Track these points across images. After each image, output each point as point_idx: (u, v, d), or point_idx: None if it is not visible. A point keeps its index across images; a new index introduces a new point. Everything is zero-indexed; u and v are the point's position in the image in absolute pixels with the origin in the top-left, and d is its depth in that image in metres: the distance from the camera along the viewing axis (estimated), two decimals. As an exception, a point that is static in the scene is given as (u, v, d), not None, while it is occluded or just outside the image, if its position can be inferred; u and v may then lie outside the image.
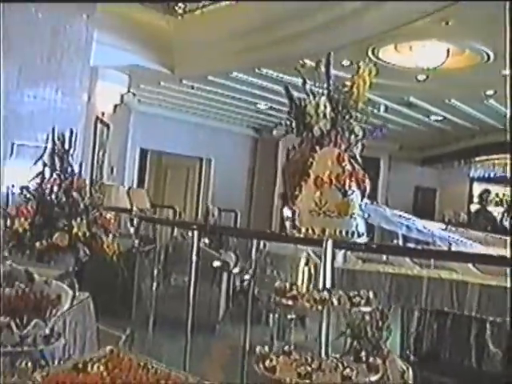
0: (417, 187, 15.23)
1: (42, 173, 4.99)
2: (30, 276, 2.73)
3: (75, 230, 4.75)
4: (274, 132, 13.55)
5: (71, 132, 5.12)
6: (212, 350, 5.61)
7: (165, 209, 10.65)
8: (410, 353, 5.25)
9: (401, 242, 6.15)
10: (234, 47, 7.37)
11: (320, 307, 2.13)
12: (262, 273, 4.90)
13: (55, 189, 4.92)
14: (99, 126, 8.41)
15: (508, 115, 6.80)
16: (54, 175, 4.97)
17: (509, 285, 3.64)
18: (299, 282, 2.45)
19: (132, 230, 7.57)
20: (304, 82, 2.26)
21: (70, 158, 5.06)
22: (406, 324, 5.35)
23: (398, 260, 5.32)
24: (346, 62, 6.14)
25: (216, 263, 6.62)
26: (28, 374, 2.29)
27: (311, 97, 2.19)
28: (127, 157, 11.14)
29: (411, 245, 6.00)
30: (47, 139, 5.08)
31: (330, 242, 2.16)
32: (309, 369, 2.10)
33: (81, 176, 5.18)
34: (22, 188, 4.98)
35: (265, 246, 4.75)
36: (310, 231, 2.14)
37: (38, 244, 4.68)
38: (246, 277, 7.60)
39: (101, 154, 8.41)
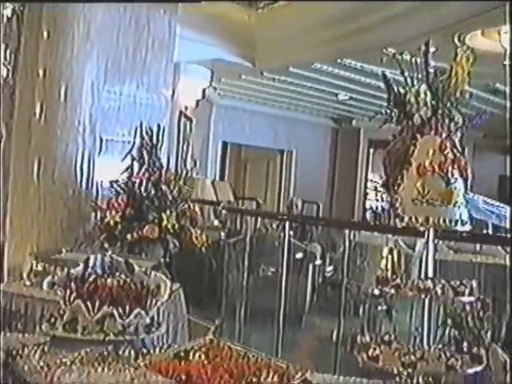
0: (501, 176, 14.80)
1: (131, 167, 5.12)
2: (130, 267, 2.81)
3: (165, 222, 4.87)
4: (354, 122, 13.45)
5: (159, 127, 5.24)
6: (300, 340, 5.63)
7: (246, 201, 10.75)
8: (501, 345, 5.12)
9: (491, 231, 6.02)
10: (316, 38, 7.34)
11: (423, 296, 2.12)
12: (353, 264, 4.87)
13: (144, 182, 5.04)
14: (183, 120, 8.55)
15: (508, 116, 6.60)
16: (143, 169, 5.10)
17: None
18: (388, 271, 2.44)
19: (216, 222, 7.70)
20: (402, 71, 2.23)
21: (157, 152, 5.17)
22: (498, 315, 5.22)
23: (490, 250, 5.19)
24: (432, 49, 6.01)
25: (298, 255, 6.62)
26: (131, 362, 2.35)
27: (410, 85, 2.16)
28: (209, 150, 11.28)
29: (501, 234, 5.87)
30: (135, 134, 5.20)
31: (431, 231, 2.13)
32: (413, 358, 2.09)
33: (168, 169, 5.29)
34: (111, 182, 5.14)
35: (354, 236, 4.72)
36: (414, 220, 2.11)
37: (129, 236, 4.82)
38: (329, 268, 7.59)
39: (184, 147, 8.55)
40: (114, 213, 4.90)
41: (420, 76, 2.22)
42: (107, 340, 2.57)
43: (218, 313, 5.80)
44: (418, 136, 2.17)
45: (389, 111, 2.19)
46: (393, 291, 2.16)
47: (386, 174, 2.22)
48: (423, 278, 2.17)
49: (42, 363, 2.27)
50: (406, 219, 2.14)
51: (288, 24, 7.40)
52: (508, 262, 5.14)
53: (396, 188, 2.17)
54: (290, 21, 7.36)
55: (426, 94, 2.14)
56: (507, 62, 5.98)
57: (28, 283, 4.35)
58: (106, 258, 2.80)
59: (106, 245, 2.86)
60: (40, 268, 4.36)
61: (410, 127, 2.18)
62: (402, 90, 2.19)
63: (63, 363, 2.26)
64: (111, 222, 4.87)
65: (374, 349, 2.19)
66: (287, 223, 4.65)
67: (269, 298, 5.12)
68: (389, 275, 2.21)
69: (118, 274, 2.76)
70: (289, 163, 13.17)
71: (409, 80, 2.20)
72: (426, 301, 2.16)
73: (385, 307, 4.36)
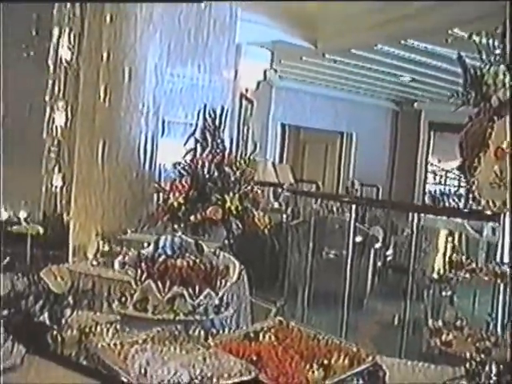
0: None
1: (194, 149, 5.16)
2: (199, 247, 2.84)
3: (228, 204, 4.90)
4: (416, 104, 13.26)
5: (222, 109, 5.26)
6: (362, 324, 5.63)
7: (305, 183, 10.73)
8: None
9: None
10: (380, 18, 7.24)
11: (499, 281, 2.09)
12: (416, 248, 4.83)
13: (207, 164, 5.08)
14: (244, 102, 8.57)
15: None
16: (206, 151, 5.13)
17: None
18: (459, 255, 2.40)
19: (276, 204, 7.73)
20: (480, 52, 2.18)
21: (220, 134, 5.20)
22: None
23: None
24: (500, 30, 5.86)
25: (359, 238, 6.59)
26: (201, 341, 2.38)
27: (488, 66, 2.11)
28: (269, 133, 11.29)
29: None
30: (198, 116, 5.24)
31: (508, 215, 2.09)
32: (488, 344, 2.07)
33: (231, 151, 5.32)
34: (174, 164, 5.19)
35: (419, 219, 4.68)
36: (491, 204, 2.08)
37: (192, 217, 4.87)
38: (389, 252, 7.54)
39: (245, 130, 8.58)
40: (177, 194, 4.96)
41: (497, 57, 2.17)
42: (177, 320, 2.60)
43: (279, 295, 5.83)
44: (496, 118, 2.12)
45: (465, 93, 2.14)
46: (467, 275, 2.13)
47: (462, 156, 2.17)
48: (499, 263, 2.13)
49: (115, 341, 2.31)
50: (483, 202, 2.11)
51: (350, 4, 7.31)
52: None
53: (472, 171, 2.14)
54: (352, 2, 7.27)
55: (504, 75, 2.09)
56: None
57: (95, 263, 4.45)
58: (175, 239, 2.83)
59: (175, 225, 2.89)
60: (107, 248, 4.45)
61: (487, 109, 2.13)
62: (478, 72, 2.14)
63: (136, 342, 2.30)
64: (175, 204, 4.92)
65: (447, 334, 2.17)
66: (353, 206, 4.61)
67: (330, 281, 5.13)
68: (463, 259, 2.16)
69: (187, 254, 2.79)
70: (348, 146, 13.09)
71: (486, 61, 2.14)
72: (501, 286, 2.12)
73: (449, 292, 4.31)
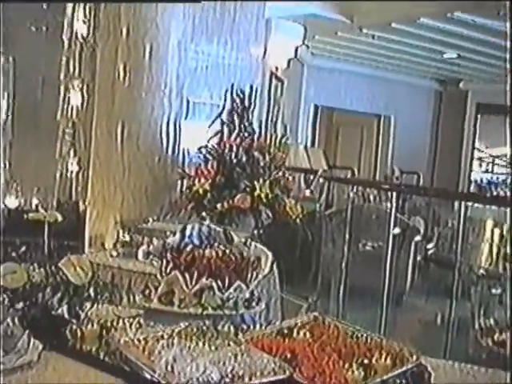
0: None
1: (221, 131, 5.18)
2: (229, 237, 2.86)
3: (257, 191, 4.91)
4: (462, 84, 13.12)
5: (251, 88, 5.26)
6: (401, 322, 5.62)
7: (339, 170, 10.72)
8: None
9: None
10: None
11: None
12: (463, 240, 4.80)
13: (235, 148, 5.09)
14: (273, 82, 8.56)
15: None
16: (234, 134, 5.15)
17: None
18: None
19: (308, 192, 7.73)
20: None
21: (249, 115, 5.21)
22: None
23: None
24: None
25: (396, 230, 6.56)
26: (231, 337, 2.40)
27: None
28: (300, 114, 11.27)
29: None
30: (225, 97, 5.24)
31: None
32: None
33: (261, 135, 5.33)
34: (200, 148, 5.20)
35: (466, 209, 4.64)
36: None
37: (219, 205, 4.89)
38: (431, 245, 7.50)
39: (275, 111, 8.58)
40: (202, 181, 4.99)
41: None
42: (205, 314, 2.63)
43: (311, 290, 5.86)
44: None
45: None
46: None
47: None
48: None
49: (138, 336, 2.33)
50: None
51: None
52: None
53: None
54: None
55: None
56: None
57: (114, 254, 4.49)
58: (203, 228, 2.85)
59: (202, 213, 2.91)
60: (127, 238, 4.50)
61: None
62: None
63: (161, 337, 2.32)
64: (200, 191, 4.96)
65: (500, 333, 2.16)
66: (393, 194, 4.60)
67: (367, 275, 5.14)
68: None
69: (216, 244, 2.81)
70: (386, 129, 13.02)
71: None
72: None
73: (499, 290, 4.29)
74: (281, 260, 4.62)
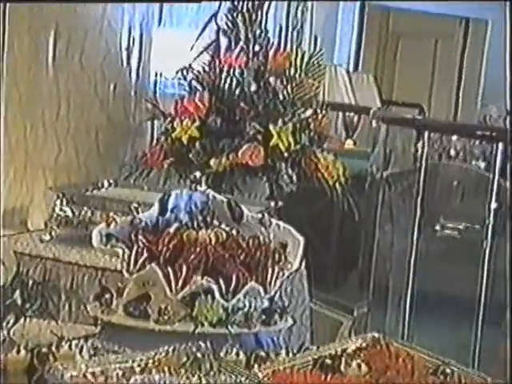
0: None
1: (216, 44, 5.16)
2: (236, 211, 2.85)
3: (274, 139, 4.90)
4: None
5: (263, -26, 5.24)
6: (502, 349, 5.64)
7: (400, 107, 10.70)
8: None
9: None
10: None
11: None
12: None
13: (238, 71, 5.08)
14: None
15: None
16: (237, 48, 5.13)
17: None
18: None
19: (351, 142, 7.74)
20: None
21: (262, 18, 5.18)
22: None
23: None
24: None
25: (495, 204, 6.55)
26: (240, 370, 2.41)
27: None
28: (338, 19, 11.22)
29: None
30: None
31: None
32: None
33: (280, 49, 5.30)
34: (182, 70, 5.18)
35: None
36: None
37: (213, 162, 4.89)
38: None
39: (299, 14, 8.50)
40: (187, 123, 4.97)
41: None
42: (200, 333, 2.63)
43: (358, 297, 5.87)
44: None
45: None
46: None
47: None
48: None
49: (94, 368, 2.33)
50: None
51: None
52: None
53: None
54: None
55: None
56: None
57: (47, 237, 4.48)
58: (196, 196, 2.85)
59: (197, 174, 2.84)
60: (68, 212, 4.49)
61: None
62: None
63: (130, 369, 2.33)
64: (183, 138, 4.95)
65: None
66: (499, 146, 4.54)
67: (449, 275, 5.14)
68: None
69: (215, 222, 2.81)
70: (476, 43, 12.98)
71: None
72: None
73: None
74: (309, 250, 4.66)
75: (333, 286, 5.99)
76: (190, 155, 4.94)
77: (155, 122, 5.32)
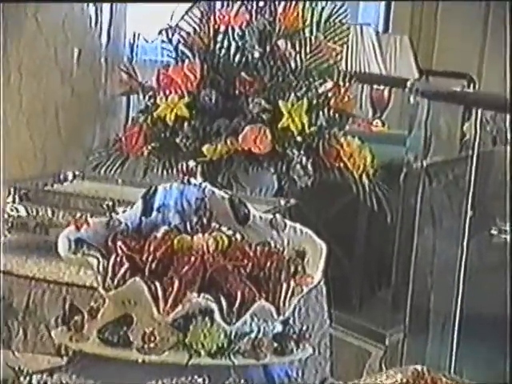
0: None
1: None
2: (241, 211, 2.88)
3: (284, 119, 4.93)
4: None
5: None
6: None
7: (443, 78, 10.73)
8: None
9: None
10: None
11: None
12: None
13: (238, 31, 5.11)
14: None
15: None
16: (237, 2, 5.16)
17: None
18: None
19: (379, 123, 7.76)
20: None
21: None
22: None
23: None
24: None
25: None
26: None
27: None
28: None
29: None
30: None
31: None
32: None
33: (291, 2, 5.32)
34: (166, 32, 5.22)
35: None
36: None
37: (206, 148, 4.92)
38: None
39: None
40: (173, 99, 5.00)
41: None
42: (196, 365, 2.65)
43: (390, 318, 5.89)
44: None
45: None
46: None
47: None
48: None
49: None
50: None
51: None
52: None
53: None
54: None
55: None
56: None
57: (-6, 245, 4.51)
58: (189, 192, 2.88)
59: (190, 164, 2.85)
60: (21, 212, 4.51)
61: None
62: None
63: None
64: (168, 118, 4.97)
65: None
66: None
67: (506, 291, 5.15)
68: None
69: (214, 225, 2.83)
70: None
71: None
72: None
73: None
74: (330, 260, 4.69)
75: (358, 307, 6.02)
76: (177, 140, 4.97)
77: (132, 97, 5.31)
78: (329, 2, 5.63)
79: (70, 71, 5.42)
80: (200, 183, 2.93)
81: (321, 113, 5.06)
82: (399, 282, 5.96)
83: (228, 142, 4.89)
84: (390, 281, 6.06)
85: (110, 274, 2.75)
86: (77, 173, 4.83)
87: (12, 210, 4.49)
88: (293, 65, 5.08)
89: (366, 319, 6.02)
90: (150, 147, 5.01)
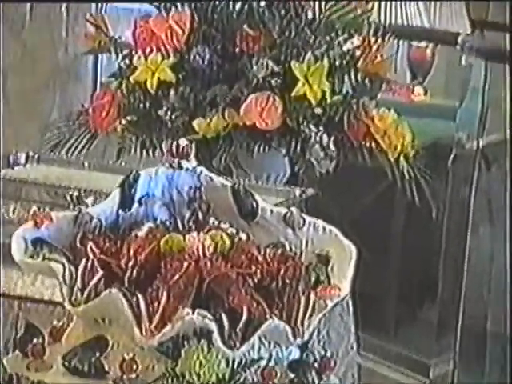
0: None
1: None
2: (247, 203, 2.90)
3: (299, 86, 4.96)
4: None
5: None
6: None
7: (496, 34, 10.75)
8: None
9: None
10: None
11: None
12: None
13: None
14: None
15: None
16: None
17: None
18: None
19: (422, 91, 7.79)
20: None
21: None
22: None
23: None
24: None
25: None
26: None
27: None
28: None
29: None
30: None
31: None
32: None
33: None
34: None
35: None
36: None
37: (197, 123, 4.95)
38: None
39: None
40: (155, 58, 5.02)
41: None
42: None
43: (436, 344, 5.92)
44: None
45: None
46: None
47: None
48: None
49: None
50: None
51: None
52: None
53: None
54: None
55: None
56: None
57: None
58: (180, 179, 2.90)
59: (181, 142, 2.85)
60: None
61: None
62: None
63: None
64: (148, 84, 4.99)
65: None
66: None
67: None
68: None
69: (213, 221, 2.86)
70: None
71: None
72: None
73: None
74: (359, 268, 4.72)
75: (394, 330, 6.04)
76: (161, 112, 4.99)
77: (101, 56, 5.33)
78: None
79: (21, 22, 5.44)
80: (194, 167, 2.95)
81: (346, 77, 5.08)
82: (447, 297, 5.98)
83: (226, 114, 4.90)
84: (435, 296, 6.07)
85: (78, 284, 2.76)
86: (31, 154, 4.86)
87: None
88: (310, 15, 5.10)
89: (404, 345, 6.04)
90: (124, 121, 5.01)
